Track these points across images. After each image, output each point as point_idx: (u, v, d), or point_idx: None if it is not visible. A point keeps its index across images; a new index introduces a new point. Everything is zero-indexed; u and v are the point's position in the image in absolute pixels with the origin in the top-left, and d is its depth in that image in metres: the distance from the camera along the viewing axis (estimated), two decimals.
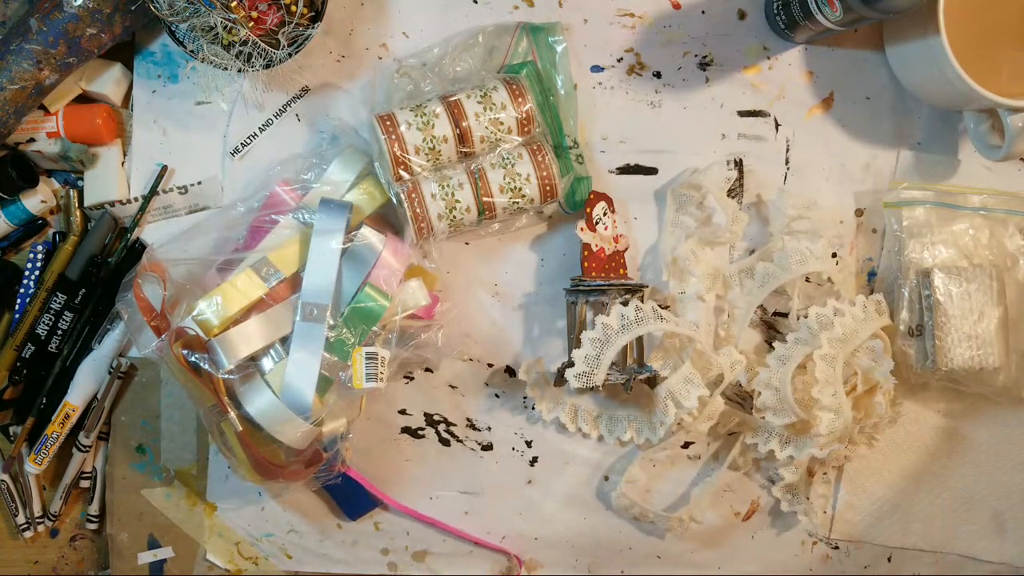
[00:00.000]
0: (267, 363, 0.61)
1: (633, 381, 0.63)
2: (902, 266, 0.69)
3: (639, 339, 0.65)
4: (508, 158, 0.63)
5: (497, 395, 0.70)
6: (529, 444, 0.70)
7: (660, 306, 0.65)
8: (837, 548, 0.73)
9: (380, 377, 0.60)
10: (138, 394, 0.68)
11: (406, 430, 0.70)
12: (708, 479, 0.71)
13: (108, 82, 0.66)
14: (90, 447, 0.68)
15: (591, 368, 0.62)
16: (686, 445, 0.71)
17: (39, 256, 0.66)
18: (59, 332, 0.66)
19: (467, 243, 0.69)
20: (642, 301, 0.64)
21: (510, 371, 0.69)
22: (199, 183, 0.67)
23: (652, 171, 0.69)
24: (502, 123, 0.62)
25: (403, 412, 0.70)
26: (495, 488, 0.71)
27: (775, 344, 0.66)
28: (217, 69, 0.60)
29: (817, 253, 0.66)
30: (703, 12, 0.68)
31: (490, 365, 0.69)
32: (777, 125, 0.70)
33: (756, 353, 0.70)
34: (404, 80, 0.65)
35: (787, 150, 0.70)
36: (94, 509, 0.69)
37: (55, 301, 0.65)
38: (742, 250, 0.70)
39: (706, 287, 0.68)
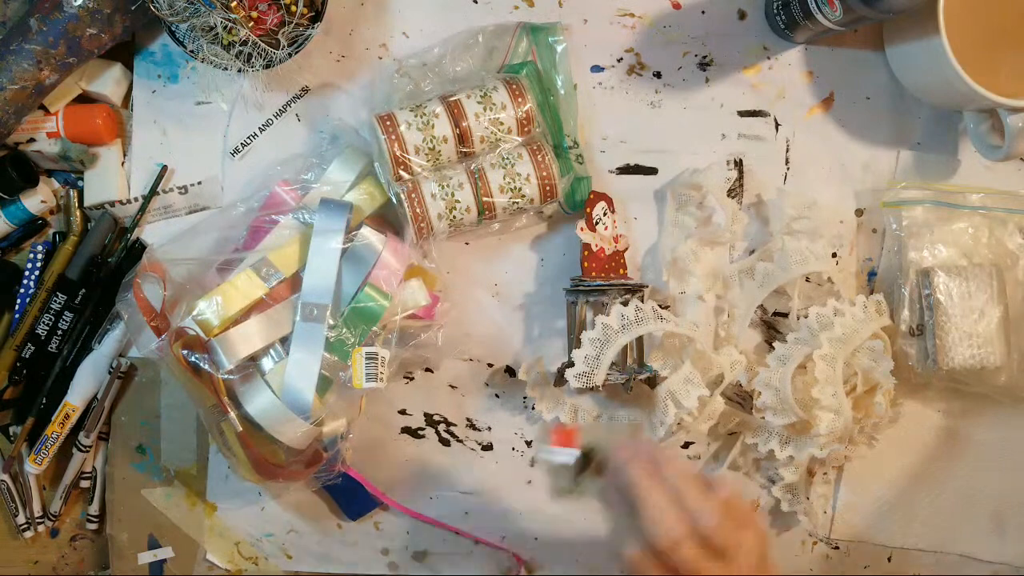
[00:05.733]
0: (267, 363, 0.61)
1: (633, 381, 0.63)
2: (902, 266, 0.69)
3: (639, 339, 0.65)
4: (508, 158, 0.63)
5: (497, 395, 0.70)
6: (529, 444, 0.70)
7: (660, 306, 0.65)
8: (837, 548, 0.73)
9: (380, 377, 0.60)
10: (138, 394, 0.68)
11: (406, 430, 0.70)
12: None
13: (108, 82, 0.66)
14: (90, 447, 0.68)
15: (591, 368, 0.62)
16: (686, 445, 0.71)
17: (39, 256, 0.66)
18: (59, 332, 0.66)
19: (467, 243, 0.69)
20: (642, 301, 0.64)
21: (510, 371, 0.69)
22: (199, 183, 0.67)
23: (652, 171, 0.69)
24: (502, 123, 0.62)
25: (403, 412, 0.70)
26: (495, 488, 0.71)
27: (775, 344, 0.66)
28: (217, 69, 0.60)
29: (817, 253, 0.66)
30: (703, 12, 0.68)
31: (490, 365, 0.69)
32: (777, 125, 0.70)
33: (756, 353, 0.70)
34: (404, 80, 0.65)
35: (787, 150, 0.70)
36: (94, 509, 0.69)
37: (55, 301, 0.65)
38: (742, 250, 0.70)
39: (706, 287, 0.68)
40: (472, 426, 0.70)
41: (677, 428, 0.68)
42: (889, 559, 0.74)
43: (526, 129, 0.63)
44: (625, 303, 0.63)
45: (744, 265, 0.69)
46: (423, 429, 0.70)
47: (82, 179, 0.67)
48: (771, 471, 0.71)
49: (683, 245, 0.67)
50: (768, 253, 0.68)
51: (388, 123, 0.61)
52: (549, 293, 0.69)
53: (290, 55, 0.61)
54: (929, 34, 0.62)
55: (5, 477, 0.67)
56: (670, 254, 0.68)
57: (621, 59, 0.69)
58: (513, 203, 0.63)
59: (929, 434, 0.72)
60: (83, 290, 0.66)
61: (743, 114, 0.69)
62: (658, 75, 0.69)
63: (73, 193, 0.66)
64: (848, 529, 0.73)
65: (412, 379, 0.69)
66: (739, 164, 0.69)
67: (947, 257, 0.69)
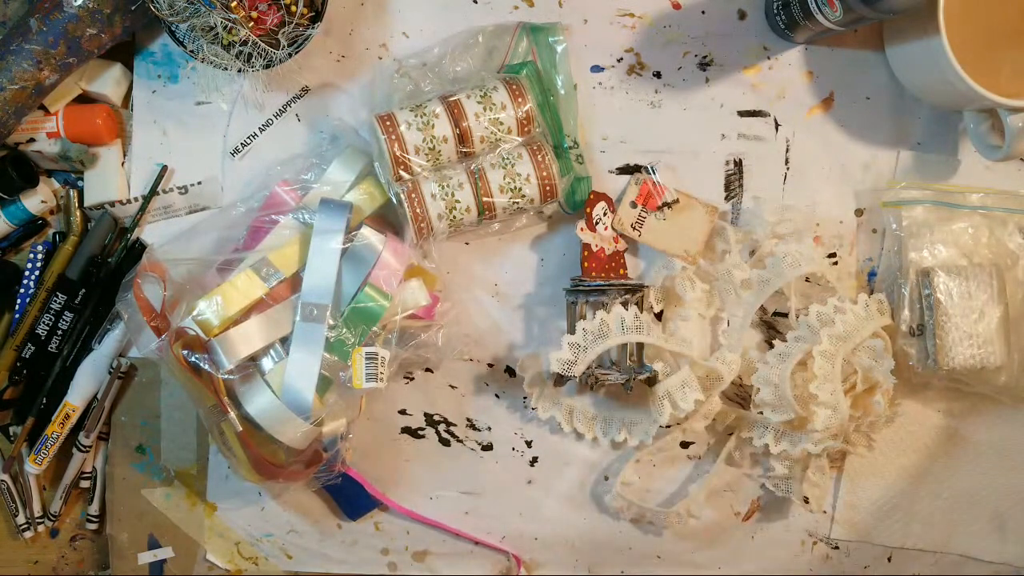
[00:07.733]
0: (267, 363, 0.61)
1: (633, 381, 0.63)
2: (902, 266, 0.69)
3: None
4: (508, 158, 0.63)
5: (497, 395, 0.70)
6: (529, 444, 0.70)
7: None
8: (837, 548, 0.73)
9: (380, 377, 0.60)
10: (138, 394, 0.68)
11: (406, 430, 0.70)
12: (705, 474, 0.71)
13: (108, 82, 0.66)
14: (90, 447, 0.68)
15: (576, 357, 0.61)
16: (685, 445, 0.71)
17: (39, 256, 0.66)
18: (59, 332, 0.66)
19: (467, 243, 0.69)
20: (643, 301, 0.64)
21: (510, 371, 0.69)
22: (199, 183, 0.67)
23: (652, 171, 0.69)
24: (502, 123, 0.62)
25: (403, 412, 0.70)
26: (495, 488, 0.71)
27: (775, 343, 0.66)
28: (217, 69, 0.60)
29: (806, 254, 0.65)
30: (703, 12, 0.68)
31: (490, 365, 0.69)
32: (777, 125, 0.70)
33: (758, 348, 0.70)
34: (404, 80, 0.65)
35: (787, 150, 0.70)
36: (94, 509, 0.69)
37: (55, 301, 0.65)
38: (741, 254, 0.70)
39: (705, 305, 0.67)
40: (472, 426, 0.70)
41: (675, 424, 0.68)
42: (889, 559, 0.74)
43: (526, 129, 0.63)
44: (625, 304, 0.63)
45: (742, 277, 0.67)
46: (423, 429, 0.70)
47: (82, 179, 0.67)
48: (770, 468, 0.71)
49: (680, 274, 0.66)
50: (760, 260, 0.68)
51: (388, 123, 0.61)
52: (549, 293, 0.69)
53: (290, 55, 0.61)
54: (929, 34, 0.62)
55: (5, 477, 0.67)
56: (663, 279, 0.67)
57: (621, 59, 0.69)
58: (513, 203, 0.63)
59: (929, 434, 0.72)
60: (83, 290, 0.66)
61: (743, 114, 0.69)
62: (658, 75, 0.69)
63: (73, 193, 0.66)
64: (848, 529, 0.73)
65: (412, 379, 0.69)
66: (739, 164, 0.69)
67: (947, 257, 0.68)
